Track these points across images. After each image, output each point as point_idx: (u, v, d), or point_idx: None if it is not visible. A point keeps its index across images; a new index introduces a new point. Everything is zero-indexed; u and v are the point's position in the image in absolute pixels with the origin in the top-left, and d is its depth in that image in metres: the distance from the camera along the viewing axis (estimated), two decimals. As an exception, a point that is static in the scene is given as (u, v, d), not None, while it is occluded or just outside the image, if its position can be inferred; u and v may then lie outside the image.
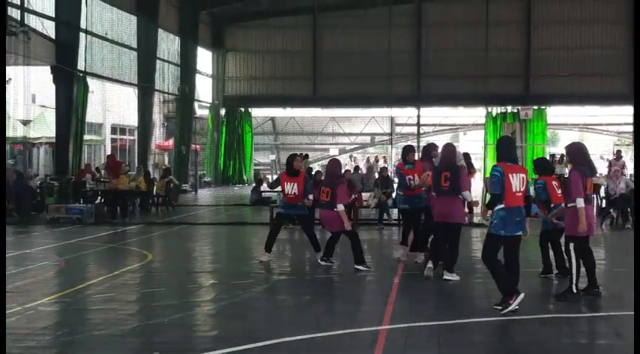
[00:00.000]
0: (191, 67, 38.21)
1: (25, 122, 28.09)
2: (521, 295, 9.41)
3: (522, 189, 9.56)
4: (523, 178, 9.58)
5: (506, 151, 9.80)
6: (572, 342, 8.39)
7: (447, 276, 11.79)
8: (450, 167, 11.88)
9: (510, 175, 9.46)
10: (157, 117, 39.12)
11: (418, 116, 43.12)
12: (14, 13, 24.03)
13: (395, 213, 21.61)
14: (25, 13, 24.53)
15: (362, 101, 42.57)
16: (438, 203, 12.08)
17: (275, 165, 50.78)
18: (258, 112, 46.57)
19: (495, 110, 41.60)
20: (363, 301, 10.51)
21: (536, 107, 40.80)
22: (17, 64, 23.95)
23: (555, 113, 44.05)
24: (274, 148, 52.64)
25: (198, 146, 41.13)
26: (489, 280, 11.73)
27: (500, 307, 9.41)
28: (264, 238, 17.39)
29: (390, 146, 49.76)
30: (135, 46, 32.59)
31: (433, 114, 47.69)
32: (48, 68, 26.52)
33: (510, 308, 9.33)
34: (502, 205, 9.46)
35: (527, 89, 40.81)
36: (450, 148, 12.50)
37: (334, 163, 13.83)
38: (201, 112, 43.01)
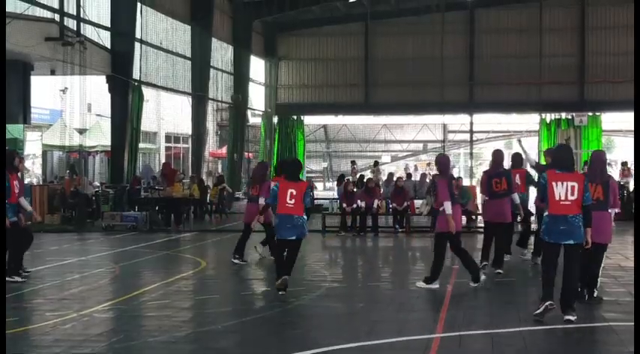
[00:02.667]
0: (244, 75, 38.43)
1: (81, 131, 28.53)
2: (547, 303, 9.27)
3: (572, 198, 9.25)
4: (573, 186, 9.27)
5: (557, 158, 9.70)
6: None
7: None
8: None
9: (554, 183, 9.29)
10: (211, 125, 39.46)
11: (471, 123, 42.87)
12: (70, 23, 24.43)
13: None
14: (82, 24, 24.92)
15: (414, 108, 42.42)
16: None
17: (327, 172, 50.87)
18: (310, 120, 46.67)
19: (549, 117, 41.14)
20: (415, 309, 10.45)
21: (590, 113, 40.26)
22: (73, 73, 24.31)
23: (611, 119, 43.40)
24: (326, 156, 52.75)
25: (251, 154, 41.35)
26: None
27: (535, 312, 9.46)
28: (316, 244, 17.49)
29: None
30: (189, 55, 32.88)
31: (486, 121, 47.37)
32: (103, 78, 26.89)
33: (536, 312, 9.35)
34: (546, 213, 9.45)
35: (581, 95, 40.26)
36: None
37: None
38: (254, 120, 43.26)
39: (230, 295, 11.90)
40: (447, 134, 50.95)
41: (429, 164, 46.56)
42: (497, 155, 13.96)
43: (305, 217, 11.69)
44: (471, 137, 43.76)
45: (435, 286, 11.78)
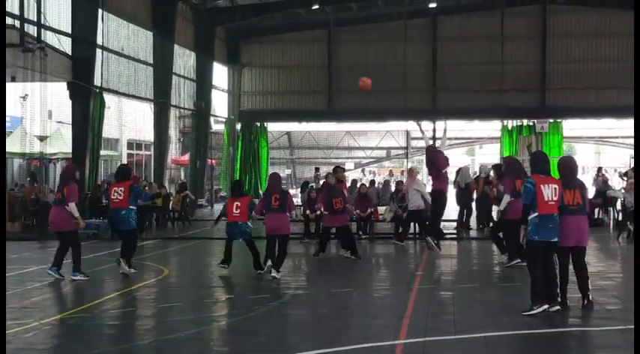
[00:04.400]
0: (207, 82, 38.31)
1: (42, 138, 28.22)
2: (546, 307, 9.93)
3: (555, 198, 10.10)
4: (555, 188, 10.15)
5: (541, 164, 10.48)
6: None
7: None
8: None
9: (542, 186, 10.10)
10: (173, 132, 39.28)
11: (434, 130, 43.03)
12: (31, 29, 24.17)
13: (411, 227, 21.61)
14: (42, 30, 24.68)
15: (377, 115, 42.54)
16: None
17: (290, 179, 50.83)
18: (273, 127, 46.65)
19: (511, 123, 41.50)
20: (378, 316, 10.46)
21: (552, 120, 40.68)
22: (34, 80, 24.06)
23: (571, 126, 43.88)
24: (290, 163, 52.73)
25: (214, 161, 41.19)
26: (506, 294, 11.72)
27: (525, 312, 9.97)
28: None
29: (405, 160, 49.73)
30: (151, 61, 32.69)
31: (449, 127, 47.57)
32: (64, 84, 26.63)
33: (530, 313, 9.90)
34: (536, 213, 10.09)
35: (543, 102, 40.68)
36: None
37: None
38: (217, 127, 43.09)
39: (193, 302, 11.84)
40: (410, 141, 51.18)
41: (390, 171, 46.80)
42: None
43: (248, 223, 14.67)
44: (434, 144, 43.97)
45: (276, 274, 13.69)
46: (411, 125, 47.09)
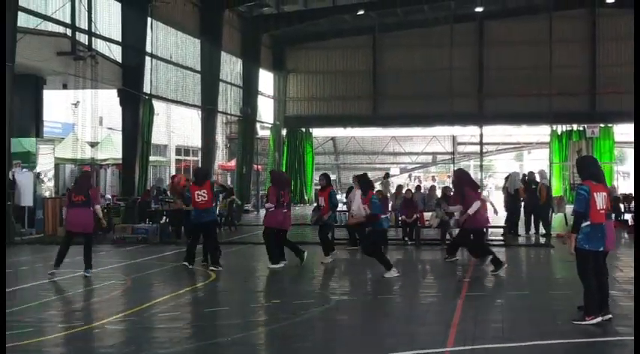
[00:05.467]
0: (253, 88, 38.58)
1: (93, 144, 28.67)
2: (599, 319, 9.66)
3: (604, 207, 9.78)
4: (605, 196, 9.84)
5: (591, 168, 10.13)
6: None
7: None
8: None
9: (595, 194, 9.72)
10: (220, 138, 39.62)
11: (481, 135, 42.84)
12: (82, 38, 24.61)
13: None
14: (93, 38, 25.10)
15: (423, 120, 42.48)
16: None
17: (336, 185, 50.86)
18: (318, 132, 46.80)
19: (560, 128, 41.09)
20: (426, 322, 10.42)
21: (602, 125, 40.21)
22: (85, 87, 24.48)
23: (623, 131, 43.31)
24: (335, 168, 52.80)
25: (260, 166, 41.42)
26: (555, 302, 11.58)
27: (576, 321, 9.75)
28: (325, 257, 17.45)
29: (452, 165, 49.50)
30: (199, 68, 33.04)
31: (496, 132, 47.36)
32: (115, 91, 27.06)
33: (583, 323, 9.64)
34: (588, 222, 9.70)
35: (593, 107, 40.24)
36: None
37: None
38: (263, 132, 43.39)
39: (239, 306, 11.91)
40: (457, 146, 50.98)
41: (433, 177, 46.62)
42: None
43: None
44: (481, 149, 43.74)
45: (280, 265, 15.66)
46: (457, 130, 46.87)
